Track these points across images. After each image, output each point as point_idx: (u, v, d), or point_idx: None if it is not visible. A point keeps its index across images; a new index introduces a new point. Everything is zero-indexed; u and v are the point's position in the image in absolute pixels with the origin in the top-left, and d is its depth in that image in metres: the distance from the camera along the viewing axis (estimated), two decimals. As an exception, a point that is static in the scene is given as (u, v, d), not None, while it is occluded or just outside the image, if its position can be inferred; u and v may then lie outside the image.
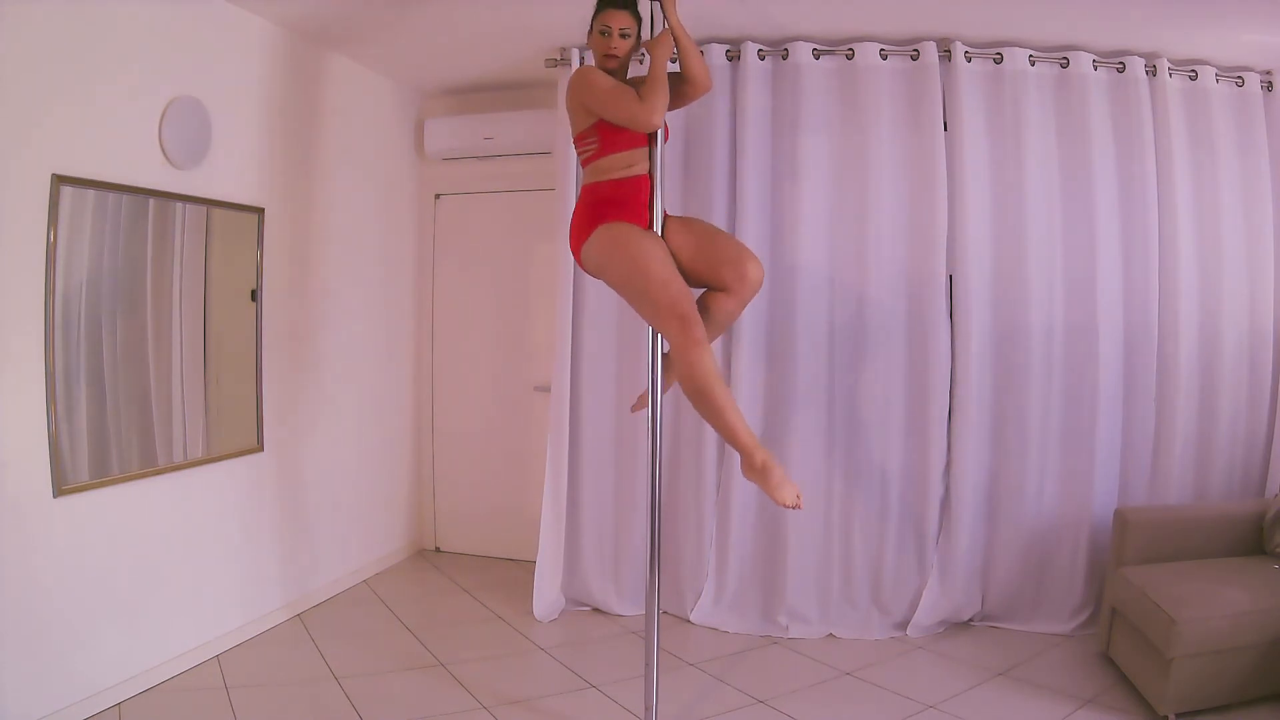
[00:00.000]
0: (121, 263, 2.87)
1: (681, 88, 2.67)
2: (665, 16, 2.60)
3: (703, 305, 2.59)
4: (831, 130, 3.64)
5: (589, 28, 2.62)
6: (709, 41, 3.67)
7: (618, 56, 2.58)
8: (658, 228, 2.57)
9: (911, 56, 3.59)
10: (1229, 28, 3.36)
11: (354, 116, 4.13)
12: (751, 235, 3.61)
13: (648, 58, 2.91)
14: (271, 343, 3.57)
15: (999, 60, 3.58)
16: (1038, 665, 3.28)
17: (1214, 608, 2.75)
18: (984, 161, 3.61)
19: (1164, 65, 3.60)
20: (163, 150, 2.99)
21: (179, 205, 3.07)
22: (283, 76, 3.61)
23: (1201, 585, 2.87)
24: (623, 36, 2.56)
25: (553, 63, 3.78)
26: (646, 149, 2.58)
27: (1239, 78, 3.69)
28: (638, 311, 2.53)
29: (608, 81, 2.52)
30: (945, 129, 3.58)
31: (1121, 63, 3.61)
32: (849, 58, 3.60)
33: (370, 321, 4.31)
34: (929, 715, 2.89)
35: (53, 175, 2.59)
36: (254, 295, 3.47)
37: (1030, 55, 3.58)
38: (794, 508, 2.35)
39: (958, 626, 3.67)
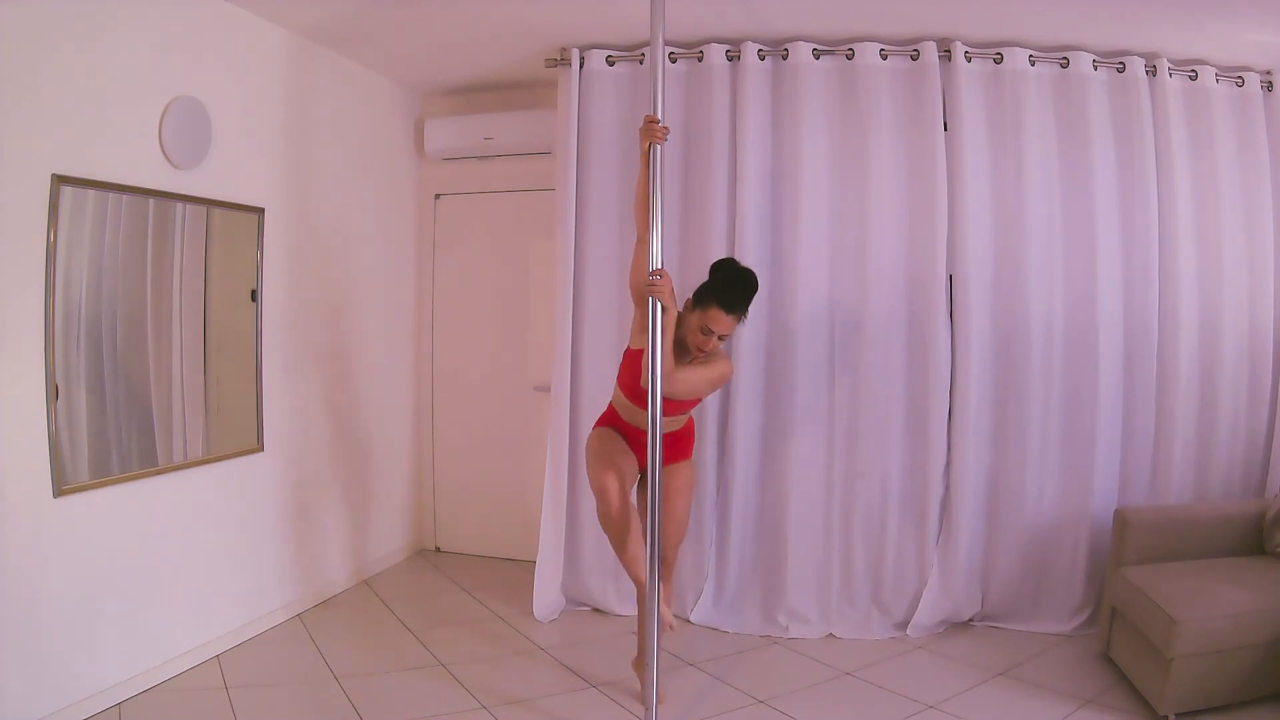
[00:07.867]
0: (121, 263, 2.87)
1: None
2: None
3: None
4: (831, 130, 3.63)
5: (689, 303, 2.73)
6: (709, 41, 3.66)
7: (705, 352, 2.74)
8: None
9: (911, 56, 3.59)
10: (1229, 28, 3.36)
11: (354, 116, 4.13)
12: (751, 235, 3.61)
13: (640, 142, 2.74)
14: (271, 343, 3.57)
15: (999, 60, 3.58)
16: (1038, 665, 3.28)
17: (1214, 608, 2.75)
18: (984, 161, 3.60)
19: (1164, 65, 3.60)
20: (163, 150, 2.99)
21: (179, 205, 3.07)
22: (283, 76, 3.61)
23: (1201, 585, 2.87)
24: (720, 339, 2.71)
25: (553, 63, 3.78)
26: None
27: (1239, 78, 3.69)
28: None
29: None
30: (945, 129, 3.58)
31: (1121, 63, 3.61)
32: (849, 58, 3.60)
33: (370, 321, 4.31)
34: (929, 715, 2.89)
35: (53, 175, 2.59)
36: (254, 295, 3.47)
37: (1030, 55, 3.58)
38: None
39: (958, 626, 3.67)
